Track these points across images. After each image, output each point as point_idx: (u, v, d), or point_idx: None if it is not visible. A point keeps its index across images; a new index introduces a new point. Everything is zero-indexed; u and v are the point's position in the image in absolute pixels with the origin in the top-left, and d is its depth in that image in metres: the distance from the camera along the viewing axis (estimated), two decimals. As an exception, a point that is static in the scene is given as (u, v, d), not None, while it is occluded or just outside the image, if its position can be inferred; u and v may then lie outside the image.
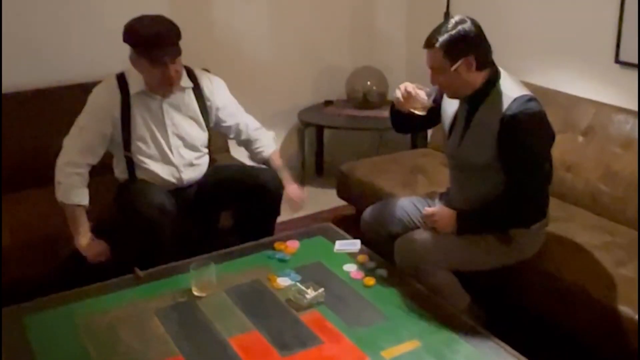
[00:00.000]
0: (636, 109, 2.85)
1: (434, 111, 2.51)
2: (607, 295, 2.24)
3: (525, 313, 2.50)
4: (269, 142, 2.91)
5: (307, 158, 4.11)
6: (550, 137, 2.32)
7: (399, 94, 2.42)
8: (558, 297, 2.37)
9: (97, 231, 2.74)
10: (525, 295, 2.47)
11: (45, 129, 3.10)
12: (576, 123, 2.91)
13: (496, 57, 2.36)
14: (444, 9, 3.68)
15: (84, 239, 2.59)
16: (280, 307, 2.21)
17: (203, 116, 2.76)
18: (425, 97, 2.39)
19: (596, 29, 3.06)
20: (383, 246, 2.55)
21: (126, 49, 3.31)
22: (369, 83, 3.98)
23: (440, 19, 3.71)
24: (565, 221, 2.66)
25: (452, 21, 2.26)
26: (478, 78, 2.29)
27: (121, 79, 2.64)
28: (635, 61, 2.92)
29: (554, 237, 2.53)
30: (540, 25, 3.29)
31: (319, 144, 4.28)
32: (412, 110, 2.40)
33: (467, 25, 2.25)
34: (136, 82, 2.61)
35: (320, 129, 4.20)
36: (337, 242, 2.58)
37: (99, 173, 3.01)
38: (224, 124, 2.85)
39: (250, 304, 2.22)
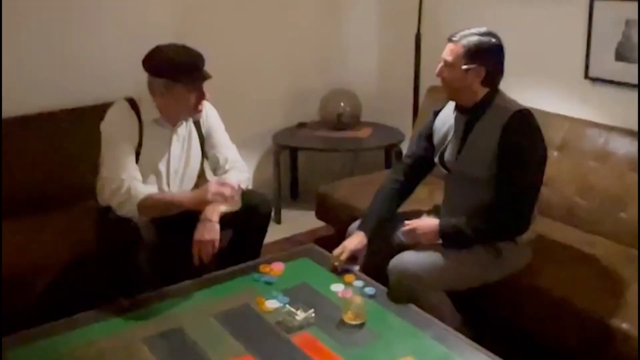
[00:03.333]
0: (607, 122, 2.93)
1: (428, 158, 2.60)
2: (593, 307, 2.27)
3: (513, 328, 2.51)
4: (233, 179, 2.67)
5: (282, 181, 4.10)
6: (545, 153, 2.38)
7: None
8: (545, 311, 2.39)
9: (77, 259, 2.70)
10: (513, 310, 2.49)
11: (15, 159, 3.04)
12: (551, 138, 2.95)
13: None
14: (415, 31, 3.73)
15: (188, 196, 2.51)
16: (270, 330, 2.19)
17: (202, 147, 2.75)
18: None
19: (565, 47, 3.14)
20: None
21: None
22: (342, 104, 4.01)
23: (412, 41, 3.80)
24: (544, 233, 2.70)
25: (486, 30, 2.37)
26: (479, 91, 2.37)
27: (133, 104, 2.59)
28: (604, 76, 3.01)
29: (536, 251, 2.56)
30: (512, 44, 3.34)
31: (293, 167, 4.28)
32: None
33: (497, 41, 2.36)
34: (149, 110, 2.57)
35: (294, 152, 4.21)
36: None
37: (80, 200, 3.00)
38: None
39: (240, 328, 2.20)
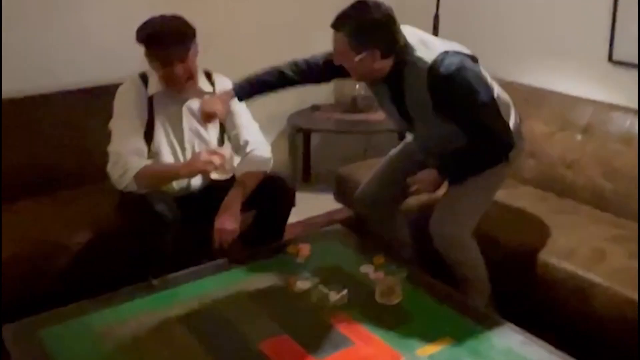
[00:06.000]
0: (631, 105, 2.92)
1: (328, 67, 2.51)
2: (629, 287, 2.26)
3: (542, 310, 2.51)
4: (255, 161, 2.73)
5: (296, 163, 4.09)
6: (476, 76, 2.25)
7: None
8: (576, 291, 2.38)
9: (99, 238, 2.68)
10: (538, 288, 2.49)
11: (35, 137, 3.01)
12: (574, 121, 2.96)
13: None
14: (434, 11, 3.70)
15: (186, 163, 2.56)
16: (305, 309, 2.18)
17: (221, 125, 2.72)
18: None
19: (589, 29, 3.13)
20: (382, 221, 2.69)
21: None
22: (357, 87, 3.99)
23: (429, 22, 3.76)
24: (570, 215, 2.71)
25: (363, 5, 2.22)
26: (385, 64, 2.27)
27: (144, 78, 2.60)
28: (628, 60, 3.00)
29: (564, 229, 2.59)
30: (534, 26, 3.34)
31: (306, 149, 4.26)
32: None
33: (377, 13, 2.20)
34: (155, 83, 2.57)
35: (307, 134, 4.18)
36: None
37: (99, 179, 2.98)
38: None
39: (274, 307, 2.19)
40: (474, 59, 2.32)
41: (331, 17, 2.29)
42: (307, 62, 2.60)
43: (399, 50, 2.26)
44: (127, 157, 2.49)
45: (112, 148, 2.55)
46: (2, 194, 2.85)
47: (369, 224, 2.78)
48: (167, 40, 2.46)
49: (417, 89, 2.27)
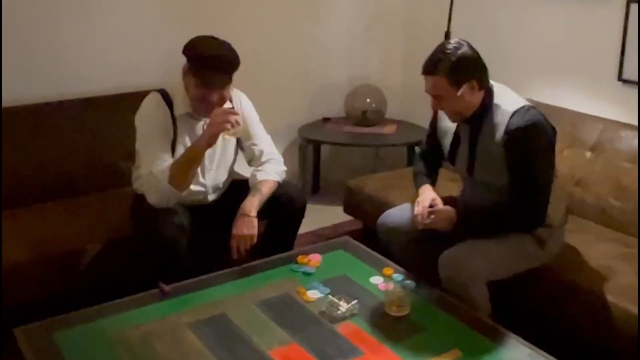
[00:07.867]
0: (640, 125, 2.95)
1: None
2: (627, 305, 2.29)
3: (541, 321, 2.54)
4: (270, 171, 2.76)
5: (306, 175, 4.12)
6: (551, 142, 2.36)
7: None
8: (577, 305, 2.42)
9: (113, 244, 2.72)
10: (544, 303, 2.52)
11: (51, 143, 3.07)
12: (583, 139, 2.99)
13: (501, 76, 2.46)
14: (445, 28, 3.73)
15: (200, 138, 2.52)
16: (314, 319, 2.20)
17: (238, 139, 2.76)
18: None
19: (599, 48, 3.16)
20: (402, 250, 2.62)
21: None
22: (368, 100, 4.03)
23: (440, 38, 3.79)
24: (578, 232, 2.72)
25: (450, 47, 2.31)
26: (479, 98, 2.36)
27: (165, 96, 2.61)
28: (637, 79, 3.03)
29: (570, 247, 2.60)
30: (544, 44, 3.38)
31: (316, 161, 4.29)
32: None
33: (466, 49, 2.30)
34: (181, 103, 2.59)
35: (317, 146, 4.22)
36: None
37: (113, 186, 3.02)
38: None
39: (284, 316, 2.21)
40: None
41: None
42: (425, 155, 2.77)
43: (488, 87, 2.36)
44: (155, 170, 2.49)
45: (144, 171, 2.55)
46: (16, 200, 2.90)
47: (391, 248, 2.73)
48: (217, 66, 2.47)
49: (494, 135, 2.33)
